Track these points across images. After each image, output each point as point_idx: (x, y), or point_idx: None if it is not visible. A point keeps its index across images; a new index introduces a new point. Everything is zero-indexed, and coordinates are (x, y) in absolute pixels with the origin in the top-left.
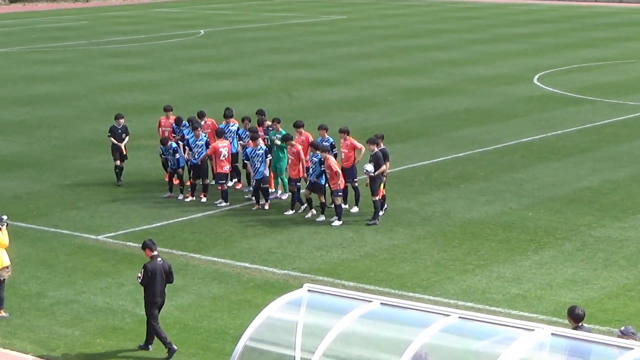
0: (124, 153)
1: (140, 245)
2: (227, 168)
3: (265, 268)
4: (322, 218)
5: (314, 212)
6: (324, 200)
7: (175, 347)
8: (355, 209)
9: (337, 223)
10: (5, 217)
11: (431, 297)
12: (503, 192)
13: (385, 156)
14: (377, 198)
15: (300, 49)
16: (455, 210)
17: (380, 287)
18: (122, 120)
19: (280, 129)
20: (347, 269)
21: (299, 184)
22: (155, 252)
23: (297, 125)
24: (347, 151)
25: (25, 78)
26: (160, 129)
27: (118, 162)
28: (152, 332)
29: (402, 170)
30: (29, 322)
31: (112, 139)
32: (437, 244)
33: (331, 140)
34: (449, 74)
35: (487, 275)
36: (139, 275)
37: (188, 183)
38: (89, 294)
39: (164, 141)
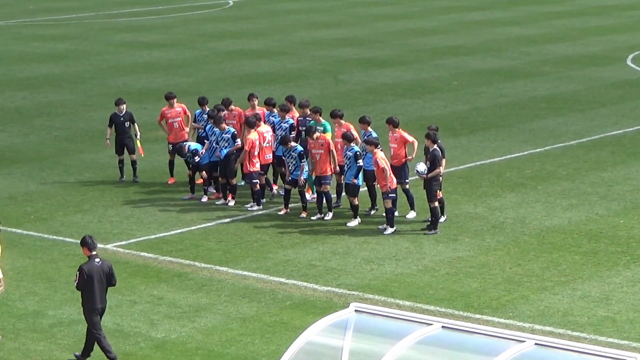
0: (138, 151)
1: (159, 255)
2: (259, 165)
3: (305, 284)
4: (355, 223)
5: (359, 220)
6: (357, 203)
7: None
8: (412, 214)
9: (389, 231)
10: None
11: (502, 320)
12: (589, 195)
13: (441, 153)
14: (435, 204)
15: (348, 22)
16: (532, 217)
17: (441, 308)
18: (123, 107)
19: (323, 121)
20: (402, 286)
21: (329, 182)
22: (94, 252)
23: (335, 115)
24: (396, 146)
25: (22, 57)
26: (165, 122)
27: (122, 157)
28: (92, 341)
29: (469, 169)
30: (25, 346)
31: (111, 130)
32: (509, 256)
33: (374, 135)
34: (525, 54)
35: (570, 294)
36: (75, 278)
37: (200, 181)
38: None
39: (179, 151)
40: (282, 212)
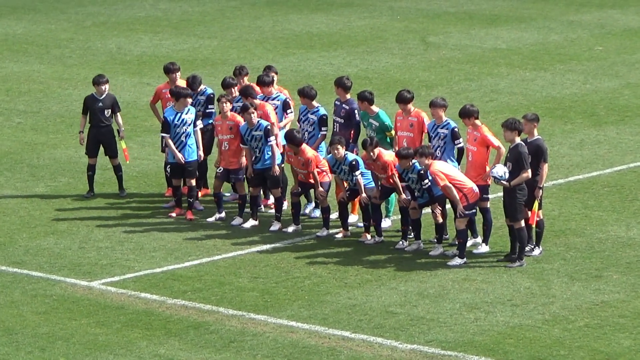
0: (123, 155)
1: (167, 297)
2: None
3: (380, 340)
4: (443, 251)
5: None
6: (440, 221)
7: None
8: (483, 248)
9: (456, 262)
10: None
11: None
12: None
13: (539, 153)
14: (521, 224)
15: None
16: None
17: None
18: (105, 87)
19: (377, 110)
20: (522, 343)
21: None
22: None
23: (402, 99)
24: (475, 149)
25: None
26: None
27: (94, 161)
28: None
29: (618, 173)
30: None
31: (86, 119)
32: None
33: (452, 125)
34: None
35: None
36: None
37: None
38: None
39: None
40: (340, 235)
